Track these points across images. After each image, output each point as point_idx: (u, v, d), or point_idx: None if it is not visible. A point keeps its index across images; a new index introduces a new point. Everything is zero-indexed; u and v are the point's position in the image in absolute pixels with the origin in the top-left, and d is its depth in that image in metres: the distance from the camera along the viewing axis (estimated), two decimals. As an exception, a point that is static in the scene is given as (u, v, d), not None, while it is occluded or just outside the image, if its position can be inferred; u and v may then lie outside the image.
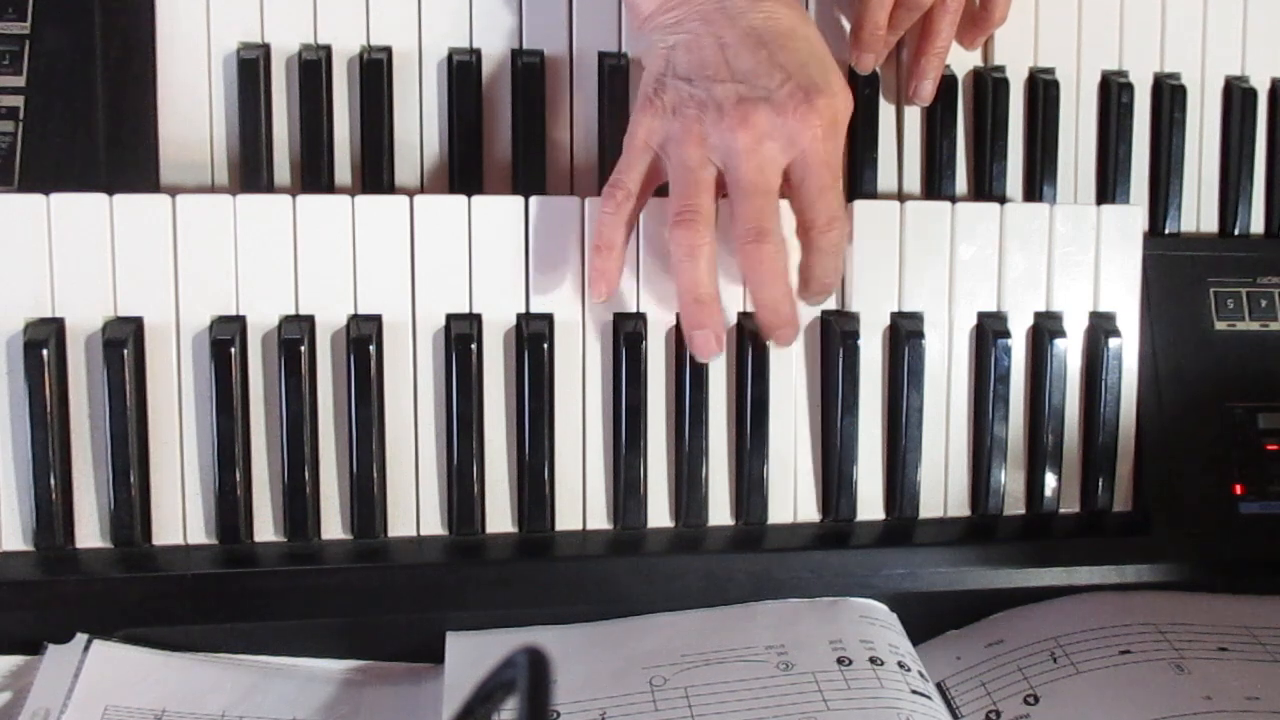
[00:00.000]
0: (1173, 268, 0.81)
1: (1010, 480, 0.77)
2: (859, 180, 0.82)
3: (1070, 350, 0.77)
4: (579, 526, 0.74)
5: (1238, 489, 0.78)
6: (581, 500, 0.74)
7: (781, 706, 0.62)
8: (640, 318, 0.73)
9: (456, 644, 0.68)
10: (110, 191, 0.69)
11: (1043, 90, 0.84)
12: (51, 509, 0.68)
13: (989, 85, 0.83)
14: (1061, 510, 0.78)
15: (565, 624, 0.70)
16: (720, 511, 0.75)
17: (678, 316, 0.73)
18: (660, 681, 0.65)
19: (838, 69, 0.71)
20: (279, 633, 0.69)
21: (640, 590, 0.71)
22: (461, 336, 0.71)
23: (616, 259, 0.70)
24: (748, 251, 0.68)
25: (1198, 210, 0.87)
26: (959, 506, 0.77)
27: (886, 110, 0.83)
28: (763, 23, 0.69)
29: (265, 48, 0.77)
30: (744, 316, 0.74)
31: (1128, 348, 0.78)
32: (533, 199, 0.72)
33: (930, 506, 0.77)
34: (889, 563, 0.74)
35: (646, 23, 0.73)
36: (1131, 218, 0.78)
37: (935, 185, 0.83)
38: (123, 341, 0.68)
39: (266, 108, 0.76)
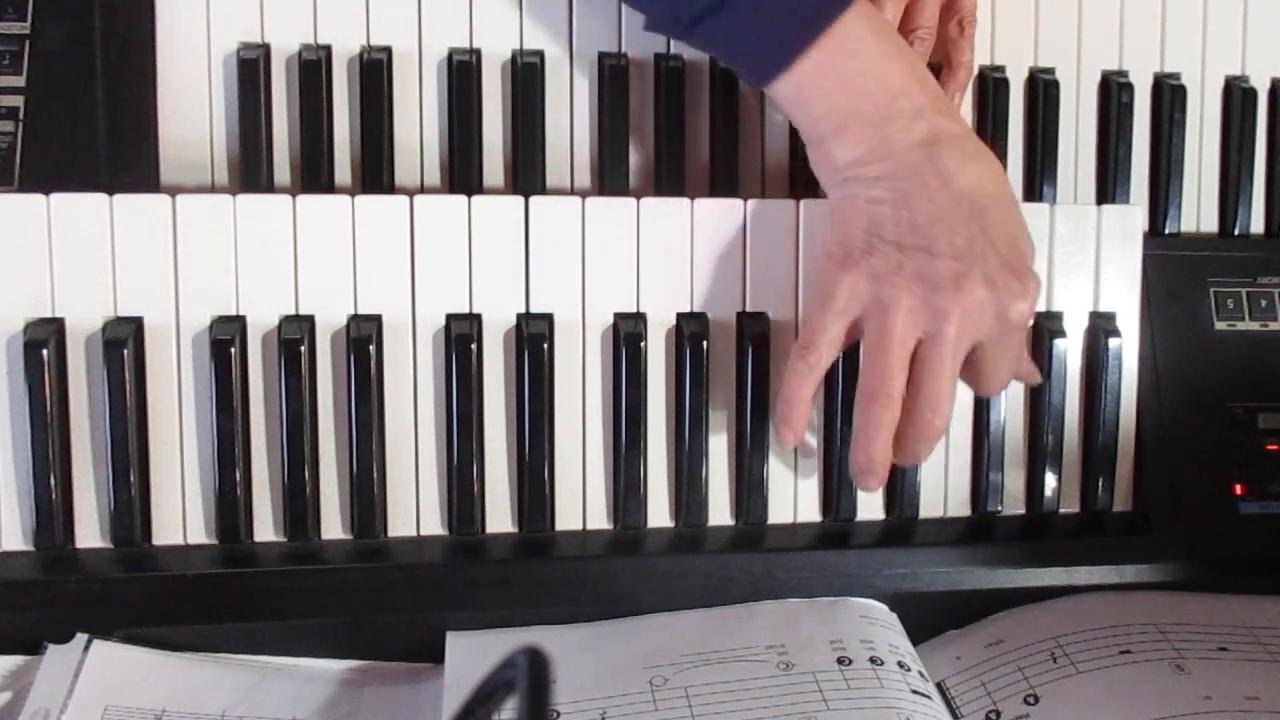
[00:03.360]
0: (1173, 268, 0.81)
1: (1010, 480, 0.77)
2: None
3: (1070, 350, 0.77)
4: (579, 526, 0.74)
5: (1238, 489, 0.78)
6: (581, 500, 0.74)
7: (781, 706, 0.62)
8: (640, 318, 0.73)
9: (456, 644, 0.68)
10: (110, 191, 0.69)
11: (1043, 90, 0.84)
12: (51, 509, 0.68)
13: (989, 85, 0.83)
14: (1061, 510, 0.78)
15: (565, 624, 0.70)
16: (720, 511, 0.75)
17: (677, 317, 0.74)
18: (660, 681, 0.65)
19: (1027, 231, 0.70)
20: (279, 633, 0.69)
21: (640, 590, 0.71)
22: (461, 336, 0.71)
23: (804, 414, 0.69)
24: (934, 427, 0.67)
25: (1198, 210, 0.87)
26: (959, 506, 0.77)
27: (886, 110, 0.83)
28: (974, 188, 0.67)
29: (265, 48, 0.77)
30: (744, 316, 0.74)
31: (1128, 348, 0.78)
32: (533, 199, 0.72)
33: (930, 506, 0.77)
34: (889, 563, 0.74)
35: (843, 171, 0.68)
36: (1131, 218, 0.78)
37: (935, 185, 0.83)
38: (123, 341, 0.68)
39: (266, 108, 0.76)
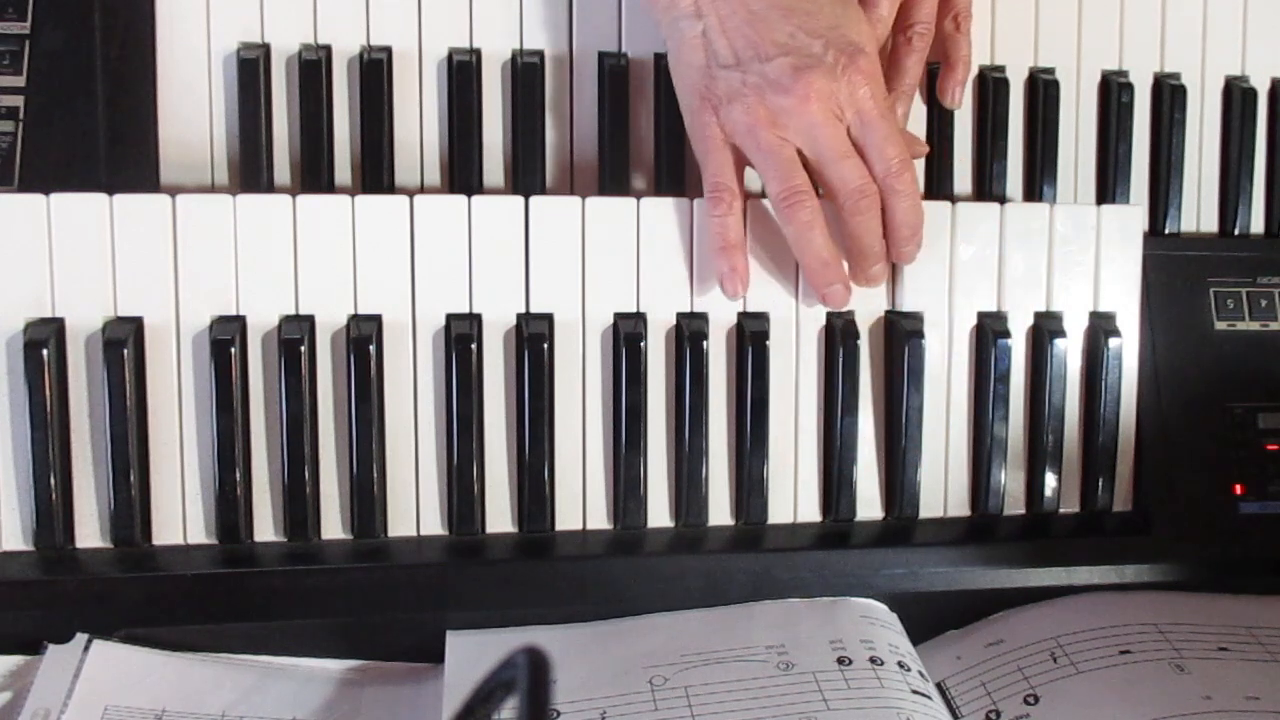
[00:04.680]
0: (1173, 268, 0.81)
1: (1010, 480, 0.77)
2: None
3: (1070, 350, 0.77)
4: (579, 526, 0.74)
5: (1238, 489, 0.78)
6: (581, 500, 0.74)
7: (781, 707, 0.62)
8: (640, 318, 0.73)
9: (456, 644, 0.68)
10: (110, 191, 0.69)
11: (1043, 90, 0.84)
12: (51, 509, 0.68)
13: (989, 85, 0.83)
14: (1061, 510, 0.78)
15: (565, 624, 0.70)
16: (720, 511, 0.75)
17: (678, 317, 0.74)
18: (660, 681, 0.65)
19: (860, 15, 0.72)
20: (279, 633, 0.69)
21: (640, 590, 0.71)
22: (461, 336, 0.71)
23: (743, 256, 0.72)
24: (861, 208, 0.70)
25: (1198, 210, 0.87)
26: (959, 506, 0.77)
27: (886, 110, 0.83)
28: None
29: (265, 48, 0.77)
30: (744, 316, 0.74)
31: (1128, 348, 0.78)
32: (533, 199, 0.72)
33: (930, 506, 0.77)
34: (889, 563, 0.74)
35: (665, 7, 0.72)
36: (1131, 218, 0.78)
37: (935, 185, 0.83)
38: (123, 341, 0.68)
39: (266, 108, 0.76)
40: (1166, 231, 0.86)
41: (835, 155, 0.69)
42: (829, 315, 0.75)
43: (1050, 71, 0.84)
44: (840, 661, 0.66)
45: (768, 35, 0.69)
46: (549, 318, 0.73)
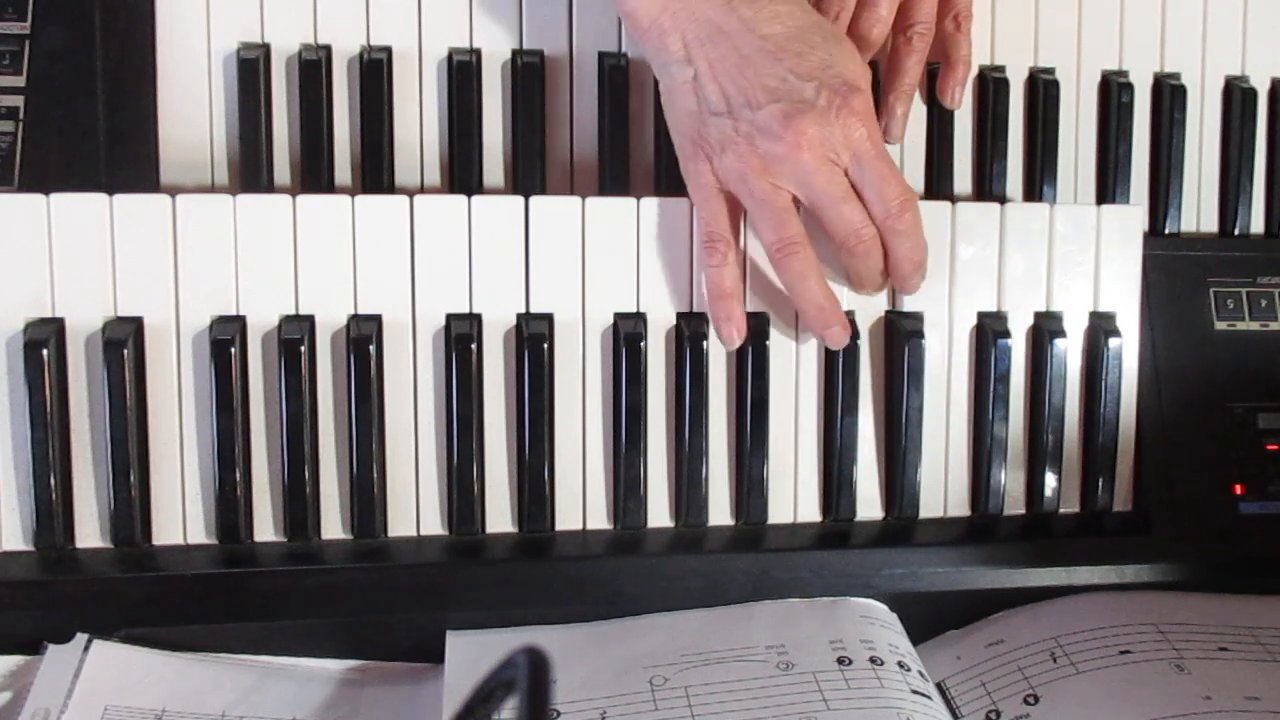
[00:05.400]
0: (1173, 268, 0.81)
1: (1010, 480, 0.77)
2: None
3: (1070, 350, 0.77)
4: (579, 526, 0.74)
5: (1238, 489, 0.78)
6: (581, 500, 0.74)
7: (781, 706, 0.62)
8: (640, 318, 0.73)
9: (456, 644, 0.68)
10: (110, 191, 0.69)
11: (1043, 90, 0.84)
12: (51, 509, 0.68)
13: (989, 85, 0.83)
14: (1061, 510, 0.78)
15: (565, 624, 0.70)
16: (720, 511, 0.75)
17: (678, 317, 0.74)
18: (660, 681, 0.65)
19: (854, 52, 0.71)
20: (279, 633, 0.69)
21: (640, 590, 0.71)
22: (461, 336, 0.71)
23: (739, 305, 0.72)
24: (859, 252, 0.70)
25: (1198, 210, 0.87)
26: (959, 506, 0.77)
27: (886, 110, 0.83)
28: (779, 28, 0.69)
29: (265, 48, 0.77)
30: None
31: (1128, 348, 0.78)
32: (533, 199, 0.72)
33: (930, 506, 0.77)
34: (889, 563, 0.74)
35: (648, 36, 0.71)
36: (1131, 218, 0.78)
37: (935, 185, 0.83)
38: (123, 341, 0.68)
39: (266, 108, 0.76)
40: (1166, 231, 0.86)
41: (831, 200, 0.69)
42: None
43: (1050, 71, 0.84)
44: (840, 661, 0.66)
45: (757, 81, 0.68)
46: (549, 318, 0.73)
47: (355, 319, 0.71)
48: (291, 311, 0.71)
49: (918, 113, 0.83)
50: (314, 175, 0.77)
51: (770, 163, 0.68)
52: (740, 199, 0.71)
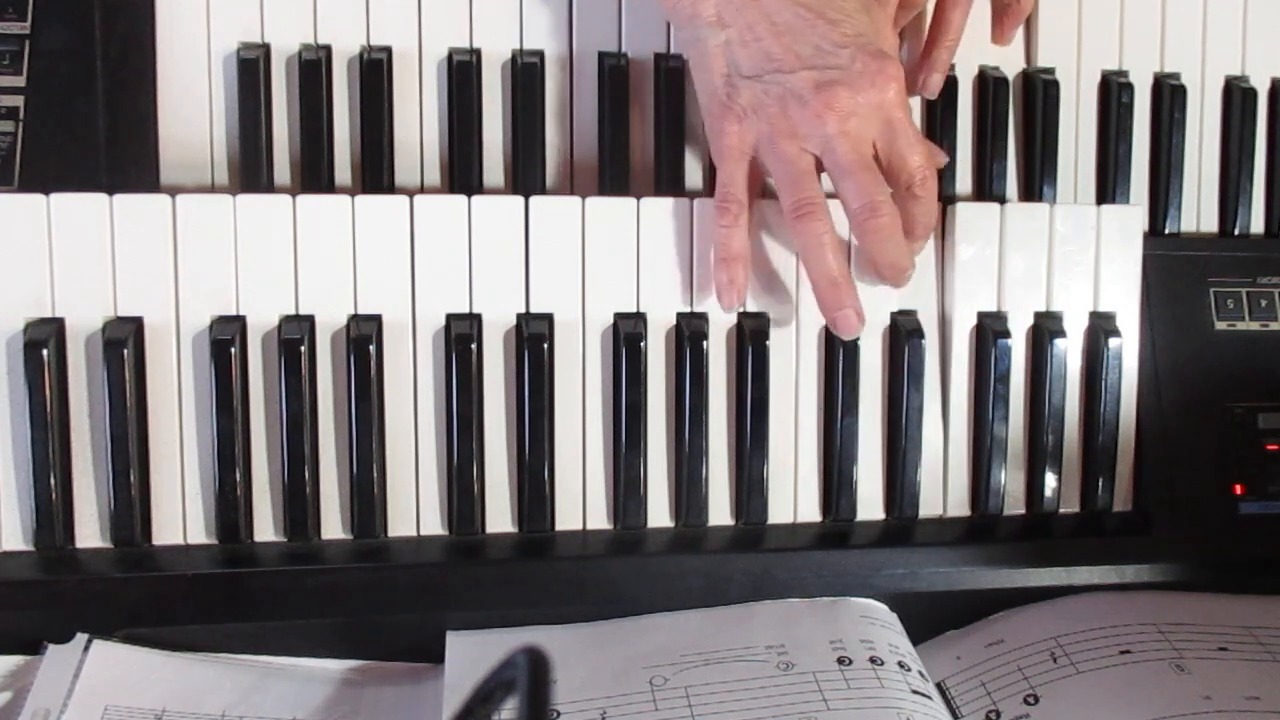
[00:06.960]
0: (1173, 268, 0.81)
1: (1010, 480, 0.77)
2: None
3: (1070, 350, 0.77)
4: (579, 526, 0.74)
5: (1238, 489, 0.78)
6: (581, 500, 0.74)
7: (781, 706, 0.62)
8: (640, 318, 0.73)
9: (456, 644, 0.68)
10: (110, 191, 0.69)
11: (1042, 90, 0.84)
12: (51, 509, 0.68)
13: (989, 85, 0.83)
14: (1061, 510, 0.78)
15: (565, 624, 0.70)
16: (720, 511, 0.75)
17: (678, 317, 0.74)
18: (660, 681, 0.65)
19: (887, 21, 0.72)
20: (279, 633, 0.69)
21: (640, 590, 0.71)
22: (461, 336, 0.71)
23: (743, 269, 0.72)
24: (869, 227, 0.69)
25: (1198, 210, 0.87)
26: (959, 506, 0.77)
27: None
28: None
29: (265, 48, 0.77)
30: (744, 316, 0.74)
31: (1128, 348, 0.78)
32: (533, 199, 0.72)
33: (930, 506, 0.77)
34: (889, 563, 0.74)
35: (686, 13, 0.71)
36: (1131, 218, 0.78)
37: (935, 185, 0.83)
38: (123, 341, 0.68)
39: (266, 108, 0.76)
40: (1166, 231, 0.86)
41: (852, 166, 0.69)
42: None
43: (1050, 71, 0.84)
44: (840, 661, 0.66)
45: (791, 47, 0.69)
46: (549, 318, 0.73)
47: (355, 319, 0.71)
48: (291, 311, 0.71)
49: (918, 113, 0.83)
50: (314, 175, 0.77)
51: (799, 126, 0.69)
52: (764, 161, 0.71)
